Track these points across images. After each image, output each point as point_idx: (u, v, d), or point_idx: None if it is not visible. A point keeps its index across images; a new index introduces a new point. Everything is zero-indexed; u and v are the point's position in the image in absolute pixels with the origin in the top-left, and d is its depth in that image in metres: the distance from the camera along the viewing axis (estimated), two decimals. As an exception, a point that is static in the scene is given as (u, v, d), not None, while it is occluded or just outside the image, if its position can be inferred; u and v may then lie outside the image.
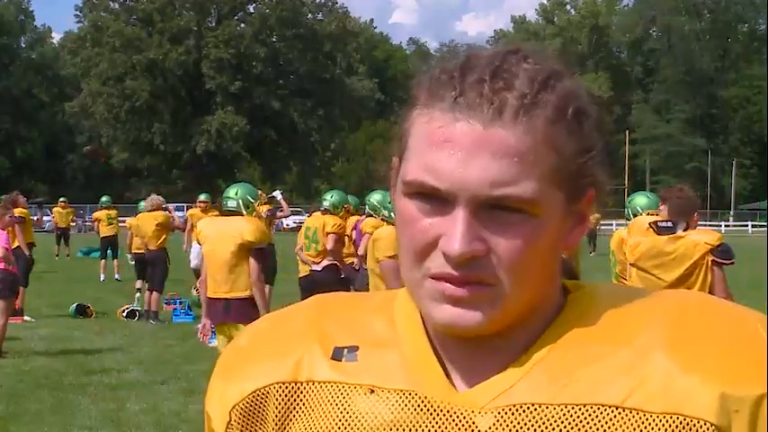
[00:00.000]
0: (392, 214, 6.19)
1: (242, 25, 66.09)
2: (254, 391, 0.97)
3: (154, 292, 13.30)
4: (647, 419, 0.85)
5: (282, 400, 0.96)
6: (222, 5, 66.19)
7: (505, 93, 0.85)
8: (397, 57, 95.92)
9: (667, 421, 0.85)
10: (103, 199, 20.21)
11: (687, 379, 0.86)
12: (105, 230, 19.42)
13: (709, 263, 5.66)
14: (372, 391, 0.92)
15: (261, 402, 0.97)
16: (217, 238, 6.87)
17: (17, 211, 13.19)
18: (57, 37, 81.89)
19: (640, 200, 7.87)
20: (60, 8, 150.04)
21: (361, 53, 76.51)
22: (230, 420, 0.98)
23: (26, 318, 13.22)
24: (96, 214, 20.15)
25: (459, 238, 0.84)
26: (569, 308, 0.93)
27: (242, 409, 0.98)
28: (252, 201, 7.17)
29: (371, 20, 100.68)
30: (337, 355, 0.95)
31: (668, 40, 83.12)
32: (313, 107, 65.06)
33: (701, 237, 5.77)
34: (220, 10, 66.54)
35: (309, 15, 67.82)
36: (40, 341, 11.38)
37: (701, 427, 0.85)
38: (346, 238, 10.30)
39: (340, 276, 9.59)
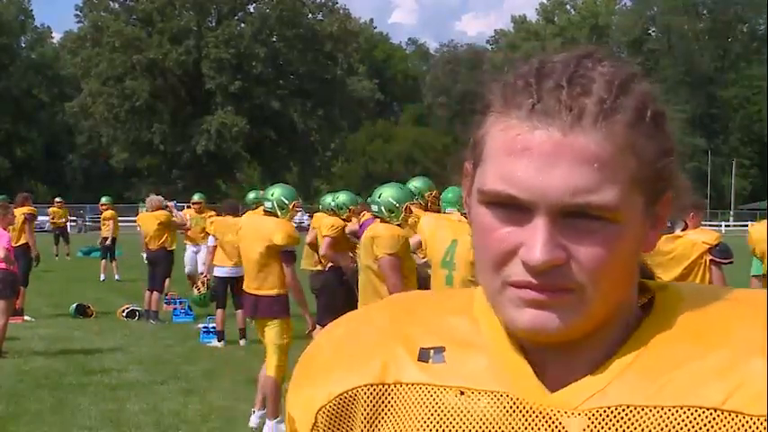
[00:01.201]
0: (383, 209, 6.27)
1: (242, 25, 66.04)
2: (342, 394, 0.96)
3: (154, 292, 13.30)
4: (746, 422, 0.84)
5: (371, 402, 0.95)
6: (222, 5, 66.16)
7: (584, 98, 0.84)
8: (397, 57, 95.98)
9: None
10: (104, 199, 19.63)
11: None
12: (115, 232, 19.19)
13: (708, 262, 5.68)
14: (463, 393, 0.92)
15: (349, 404, 0.96)
16: (251, 236, 7.19)
17: (26, 209, 13.23)
18: (57, 37, 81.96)
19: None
20: (60, 8, 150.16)
21: (360, 53, 76.49)
22: (316, 422, 0.98)
23: (26, 318, 13.23)
24: (106, 214, 19.31)
25: (540, 246, 0.83)
26: (657, 308, 0.92)
27: (329, 411, 0.97)
28: (286, 202, 7.35)
29: (371, 20, 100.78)
30: (424, 356, 0.94)
31: (668, 40, 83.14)
32: (313, 107, 65.04)
33: (699, 236, 5.79)
34: (220, 10, 66.50)
35: (310, 15, 67.79)
36: (40, 341, 11.40)
37: None
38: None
39: (342, 277, 9.60)
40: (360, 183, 66.22)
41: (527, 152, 0.84)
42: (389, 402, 0.95)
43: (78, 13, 66.54)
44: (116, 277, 19.42)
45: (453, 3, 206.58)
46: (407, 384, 0.94)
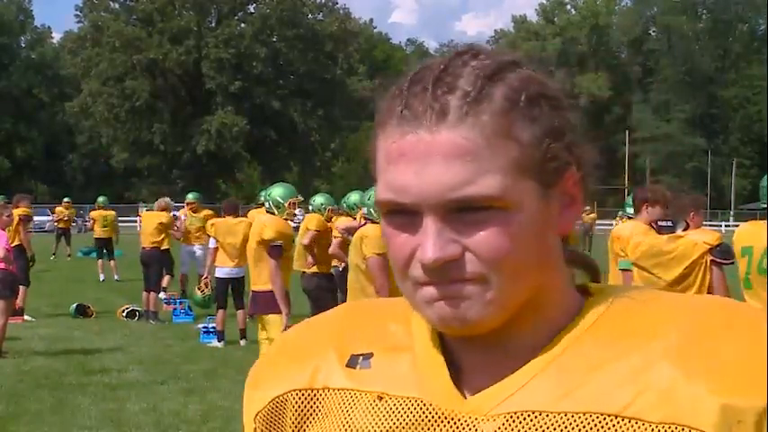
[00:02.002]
0: (372, 210, 6.38)
1: (242, 25, 66.01)
2: (274, 399, 0.99)
3: (152, 293, 13.30)
4: (645, 428, 0.84)
5: (299, 406, 0.98)
6: (222, 5, 66.14)
7: (448, 95, 0.85)
8: (397, 57, 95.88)
9: (666, 431, 0.84)
10: (100, 199, 20.27)
11: (690, 388, 0.84)
12: (99, 232, 19.53)
13: (708, 262, 5.67)
14: (381, 398, 0.93)
15: (280, 409, 0.99)
16: (250, 233, 7.50)
17: (21, 210, 13.24)
18: (57, 37, 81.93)
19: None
20: (60, 8, 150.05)
21: (360, 53, 76.52)
22: (255, 427, 1.01)
23: (26, 318, 13.23)
24: (93, 214, 20.21)
25: (430, 245, 0.85)
26: (585, 312, 0.92)
27: (264, 416, 1.00)
28: (281, 201, 7.53)
29: (371, 20, 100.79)
30: (352, 362, 0.97)
31: (668, 40, 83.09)
32: (313, 107, 65.02)
33: (701, 236, 5.78)
34: (220, 10, 66.48)
35: (310, 15, 67.78)
36: (40, 341, 11.38)
37: None
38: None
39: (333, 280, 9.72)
40: (360, 183, 66.19)
41: (402, 158, 0.86)
42: (316, 407, 0.97)
43: (78, 13, 66.57)
44: (115, 277, 19.44)
45: (453, 3, 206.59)
46: (333, 390, 0.96)
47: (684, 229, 5.87)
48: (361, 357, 0.96)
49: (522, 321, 0.90)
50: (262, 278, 7.16)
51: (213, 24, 66.41)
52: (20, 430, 7.15)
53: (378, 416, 0.93)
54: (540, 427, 0.86)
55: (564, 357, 0.89)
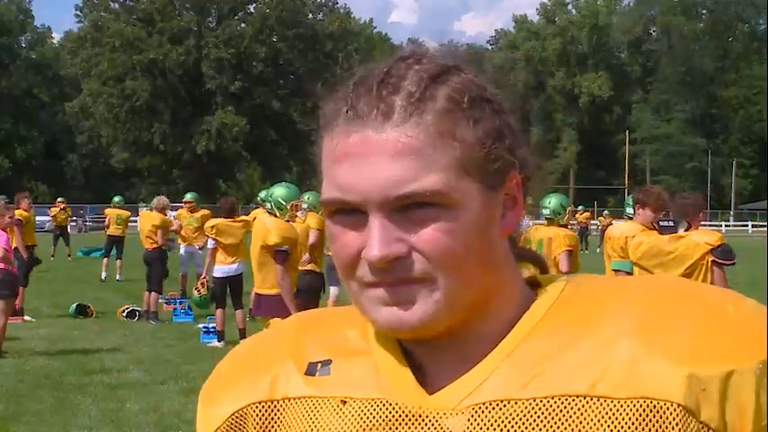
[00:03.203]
0: None
1: (242, 25, 66.04)
2: (233, 414, 0.98)
3: (152, 293, 13.29)
4: (614, 406, 0.86)
5: (260, 419, 0.97)
6: (222, 5, 66.14)
7: (393, 96, 0.87)
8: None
9: (635, 406, 0.85)
10: (116, 199, 20.46)
11: (653, 363, 0.85)
12: (113, 230, 19.60)
13: (710, 263, 5.66)
14: (344, 402, 0.93)
15: (240, 424, 0.98)
16: (253, 235, 7.46)
17: (17, 213, 13.24)
18: (57, 37, 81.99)
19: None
20: (60, 8, 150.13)
21: (360, 53, 76.51)
22: None
23: (26, 318, 13.22)
24: (107, 211, 20.42)
25: (375, 243, 0.86)
26: (539, 301, 0.93)
27: None
28: (283, 203, 7.45)
29: (371, 20, 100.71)
30: (311, 370, 0.96)
31: (668, 40, 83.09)
32: (313, 107, 64.96)
33: (702, 237, 5.78)
34: (220, 10, 66.49)
35: (310, 15, 67.80)
36: (40, 341, 11.37)
37: (668, 408, 0.85)
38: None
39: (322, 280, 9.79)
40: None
41: (347, 157, 0.87)
42: (278, 418, 0.96)
43: (78, 13, 66.57)
44: (117, 277, 19.44)
45: (453, 3, 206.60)
46: (294, 399, 0.96)
47: (686, 230, 5.87)
48: (319, 364, 0.96)
49: (475, 323, 0.91)
50: (267, 282, 7.10)
51: (213, 24, 66.42)
52: (20, 430, 7.14)
53: (343, 420, 0.92)
54: (510, 414, 0.87)
55: (524, 346, 0.89)
